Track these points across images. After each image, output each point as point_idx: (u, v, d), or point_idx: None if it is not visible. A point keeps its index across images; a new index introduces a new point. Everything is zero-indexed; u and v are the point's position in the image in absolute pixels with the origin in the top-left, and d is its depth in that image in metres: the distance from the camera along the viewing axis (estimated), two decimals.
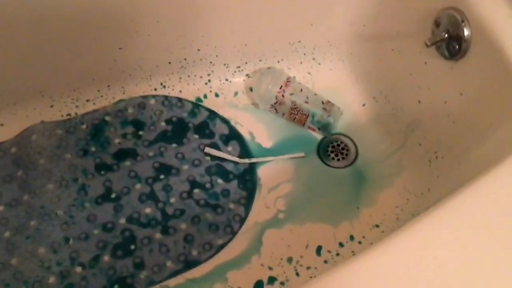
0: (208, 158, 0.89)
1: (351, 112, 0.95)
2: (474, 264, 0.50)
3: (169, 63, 0.93)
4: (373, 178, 0.88)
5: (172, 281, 0.78)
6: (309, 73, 0.99)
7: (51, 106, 0.91)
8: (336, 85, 0.98)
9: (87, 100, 0.93)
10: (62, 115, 0.91)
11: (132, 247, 0.80)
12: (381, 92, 0.93)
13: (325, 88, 0.96)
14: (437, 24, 0.73)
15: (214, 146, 0.90)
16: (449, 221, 0.53)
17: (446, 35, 0.71)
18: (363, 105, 0.95)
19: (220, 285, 0.77)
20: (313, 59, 0.98)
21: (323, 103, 0.90)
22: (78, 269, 0.78)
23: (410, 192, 0.84)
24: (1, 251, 0.78)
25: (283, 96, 0.89)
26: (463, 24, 0.67)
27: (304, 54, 0.97)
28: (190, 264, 0.79)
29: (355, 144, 0.92)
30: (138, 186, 0.85)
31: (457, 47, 0.70)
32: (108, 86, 0.93)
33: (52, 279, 0.77)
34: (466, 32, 0.67)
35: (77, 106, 0.92)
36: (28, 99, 0.89)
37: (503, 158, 0.57)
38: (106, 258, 0.79)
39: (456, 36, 0.69)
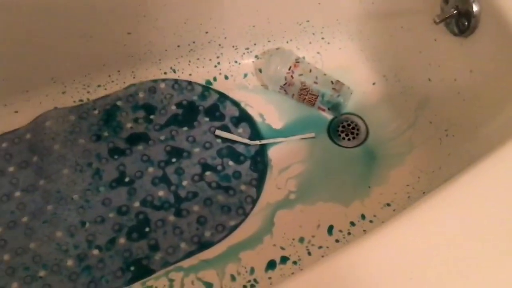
0: (219, 140, 0.90)
1: (361, 91, 0.94)
2: (484, 242, 0.51)
3: (178, 46, 0.93)
4: (384, 157, 0.88)
5: (186, 262, 0.79)
6: (318, 52, 0.98)
7: (63, 93, 0.92)
8: (346, 64, 0.97)
9: (98, 86, 0.93)
10: (74, 101, 0.93)
11: (147, 229, 0.82)
12: (391, 70, 0.92)
13: (334, 68, 0.96)
14: (446, 0, 0.72)
15: (225, 128, 0.91)
16: (460, 199, 0.53)
17: (455, 11, 0.70)
18: (373, 84, 0.95)
19: (233, 266, 0.78)
20: (322, 38, 0.98)
21: (332, 83, 0.89)
22: (95, 251, 0.80)
23: (421, 171, 0.84)
24: (20, 236, 0.80)
25: (292, 77, 0.89)
26: None
27: (313, 33, 0.97)
28: (204, 245, 0.80)
29: (365, 124, 0.92)
30: (150, 169, 0.87)
31: (466, 23, 0.69)
32: (119, 71, 0.93)
33: (70, 262, 0.79)
34: (475, 8, 0.66)
35: (88, 92, 0.93)
36: (41, 86, 0.91)
37: None
38: (122, 240, 0.81)
39: (465, 12, 0.68)
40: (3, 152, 0.87)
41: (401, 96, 0.90)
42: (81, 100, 0.93)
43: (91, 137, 0.89)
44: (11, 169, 0.86)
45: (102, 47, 0.88)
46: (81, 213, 0.82)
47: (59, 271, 0.78)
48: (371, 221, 0.82)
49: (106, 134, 0.89)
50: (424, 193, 0.80)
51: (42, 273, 0.78)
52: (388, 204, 0.83)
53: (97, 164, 0.87)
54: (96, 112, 0.91)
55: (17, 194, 0.84)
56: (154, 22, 0.87)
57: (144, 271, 0.78)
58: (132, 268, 0.78)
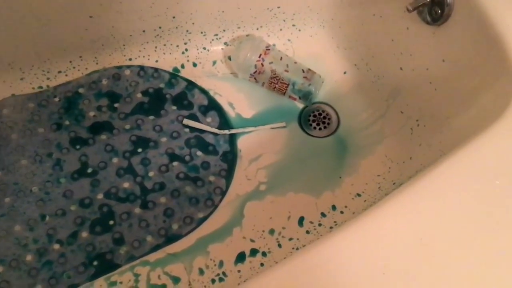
0: (187, 130, 0.87)
1: (333, 80, 0.93)
2: (456, 233, 0.51)
3: (143, 31, 0.89)
4: (355, 147, 0.87)
5: (153, 256, 0.77)
6: (289, 40, 0.96)
7: (22, 79, 0.88)
8: (317, 52, 0.95)
9: (59, 72, 0.89)
10: (33, 88, 0.88)
11: (111, 222, 0.78)
12: (363, 59, 0.91)
13: (306, 56, 0.94)
14: None
15: (193, 117, 0.88)
16: (432, 191, 0.53)
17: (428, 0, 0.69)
18: (344, 73, 0.93)
19: (202, 259, 0.76)
20: (293, 25, 0.95)
21: (303, 71, 0.88)
22: (56, 246, 0.76)
23: (392, 161, 0.84)
24: None
25: (262, 65, 0.87)
26: None
27: (284, 20, 0.94)
28: (171, 238, 0.78)
29: (336, 113, 0.91)
30: (115, 160, 0.83)
31: (439, 11, 0.68)
32: (80, 56, 0.89)
33: (29, 257, 0.75)
34: None
35: (48, 78, 0.88)
36: None
37: (484, 127, 0.56)
38: (84, 234, 0.77)
39: (439, 0, 0.67)
40: None
41: (373, 85, 0.89)
42: (40, 87, 0.88)
43: (51, 126, 0.85)
44: None
45: (62, 32, 0.84)
46: (41, 206, 0.79)
47: (18, 267, 0.74)
48: (342, 212, 0.81)
49: (67, 122, 0.85)
50: (394, 183, 0.80)
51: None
52: (359, 195, 0.82)
53: (57, 154, 0.83)
54: (56, 99, 0.87)
55: None
56: (118, 6, 0.83)
57: (108, 266, 0.75)
58: (95, 263, 0.75)
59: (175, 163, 0.84)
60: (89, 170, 0.82)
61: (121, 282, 0.74)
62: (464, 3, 0.65)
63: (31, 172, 0.81)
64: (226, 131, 0.87)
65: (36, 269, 0.74)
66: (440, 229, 0.51)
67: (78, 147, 0.84)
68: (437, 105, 0.74)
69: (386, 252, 0.49)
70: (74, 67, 0.89)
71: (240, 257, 0.77)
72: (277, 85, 0.88)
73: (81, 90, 0.88)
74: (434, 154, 0.73)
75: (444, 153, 0.57)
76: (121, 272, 0.75)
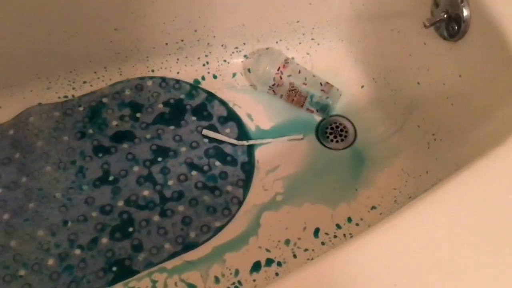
0: (206, 140, 0.89)
1: (350, 93, 0.94)
2: (471, 246, 0.50)
3: (166, 44, 0.91)
4: (372, 160, 0.88)
5: (170, 263, 0.78)
6: (308, 53, 0.98)
7: (48, 88, 0.91)
8: (335, 66, 0.96)
9: (84, 82, 0.92)
10: (59, 97, 0.91)
11: (130, 229, 0.80)
12: (380, 73, 0.91)
13: (324, 69, 0.95)
14: (436, 4, 0.72)
15: (212, 128, 0.90)
16: (447, 204, 0.53)
17: (445, 16, 0.69)
18: (362, 86, 0.94)
19: (218, 267, 0.78)
20: (312, 39, 0.97)
21: (321, 84, 0.89)
22: (77, 251, 0.78)
23: (408, 174, 0.84)
24: (1, 234, 0.79)
25: (281, 77, 0.88)
26: (462, 4, 0.66)
27: (303, 34, 0.96)
28: (188, 246, 0.79)
29: (354, 126, 0.91)
30: (136, 168, 0.85)
31: (456, 27, 0.68)
32: (105, 67, 0.92)
33: (51, 261, 0.77)
34: (465, 13, 0.66)
35: (74, 88, 0.91)
36: (25, 81, 0.89)
37: (501, 141, 0.56)
38: (104, 240, 0.79)
39: (456, 16, 0.68)
40: None
41: (390, 99, 0.90)
42: (66, 96, 0.91)
43: (75, 134, 0.87)
44: None
45: (88, 43, 0.87)
46: (64, 212, 0.81)
47: (40, 270, 0.77)
48: (357, 224, 0.81)
49: (90, 131, 0.88)
50: (410, 197, 0.80)
51: (22, 272, 0.76)
52: (375, 207, 0.82)
53: (80, 162, 0.85)
54: (81, 108, 0.90)
55: None
56: (142, 19, 0.85)
57: (126, 271, 0.77)
58: (114, 269, 0.77)
59: (193, 173, 0.86)
60: (111, 178, 0.84)
61: None
62: (480, 20, 0.65)
63: (54, 179, 0.83)
64: (244, 142, 0.89)
65: (57, 273, 0.77)
66: (454, 242, 0.51)
67: (100, 155, 0.86)
68: (453, 119, 0.74)
69: (399, 264, 0.50)
70: (98, 78, 0.92)
71: (256, 266, 0.78)
72: (295, 98, 0.90)
73: (104, 100, 0.91)
74: (451, 168, 0.73)
75: (460, 166, 0.57)
76: (139, 278, 0.77)
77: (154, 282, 0.76)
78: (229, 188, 0.85)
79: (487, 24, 0.64)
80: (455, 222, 0.52)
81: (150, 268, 0.77)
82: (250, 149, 0.89)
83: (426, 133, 0.82)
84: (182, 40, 0.92)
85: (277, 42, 0.97)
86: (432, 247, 0.50)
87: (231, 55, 0.97)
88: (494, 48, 0.64)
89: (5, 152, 0.85)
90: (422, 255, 0.50)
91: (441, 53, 0.75)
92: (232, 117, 0.91)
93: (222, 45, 0.95)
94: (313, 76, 0.90)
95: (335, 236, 0.80)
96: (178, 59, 0.95)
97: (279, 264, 0.78)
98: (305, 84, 0.88)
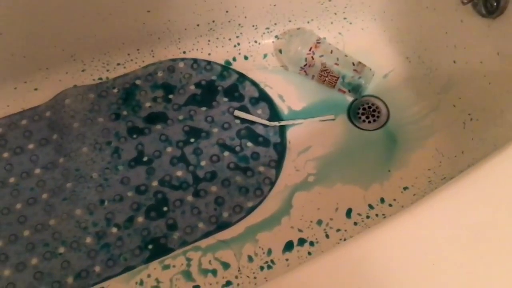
0: (237, 121, 0.89)
1: (383, 73, 0.93)
2: (509, 228, 0.50)
3: (198, 25, 0.92)
4: (405, 140, 0.87)
5: (204, 242, 0.80)
6: (340, 33, 0.96)
7: (83, 70, 0.92)
8: (368, 45, 0.95)
9: (118, 64, 0.93)
10: (94, 79, 0.93)
11: (165, 209, 0.82)
12: (415, 52, 0.90)
13: (356, 49, 0.94)
14: None
15: (244, 109, 0.90)
16: (484, 185, 0.52)
17: None
18: (396, 65, 0.93)
19: (251, 246, 0.79)
20: (344, 18, 0.96)
21: (353, 64, 0.88)
22: (114, 229, 0.80)
23: (443, 155, 0.83)
24: (40, 212, 0.81)
25: (312, 58, 0.88)
26: None
27: (335, 13, 0.95)
28: (221, 225, 0.80)
29: (386, 106, 0.90)
30: (169, 149, 0.87)
31: (495, 4, 0.66)
32: (138, 49, 0.93)
33: (89, 239, 0.80)
34: None
35: (108, 70, 0.93)
36: (60, 63, 0.91)
37: None
38: (140, 219, 0.81)
39: None
40: (23, 129, 0.88)
41: (424, 78, 0.88)
42: (100, 79, 0.92)
43: (110, 115, 0.89)
44: (31, 146, 0.87)
45: (121, 25, 0.88)
46: (100, 192, 0.83)
47: (78, 248, 0.79)
48: (390, 205, 0.81)
49: (125, 113, 0.89)
50: (445, 178, 0.79)
51: (61, 249, 0.79)
52: (408, 188, 0.82)
53: (116, 142, 0.87)
54: (115, 90, 0.91)
55: (37, 171, 0.85)
56: (173, 1, 0.86)
57: (162, 250, 0.79)
58: (150, 247, 0.79)
59: (226, 153, 0.86)
60: (145, 159, 0.86)
61: (174, 266, 0.78)
62: None
63: (91, 159, 0.85)
64: (276, 123, 0.89)
65: (95, 251, 0.79)
66: (492, 224, 0.50)
67: (135, 136, 0.87)
68: (490, 98, 0.73)
69: (436, 244, 0.49)
70: (131, 60, 0.93)
71: (288, 246, 0.78)
72: (327, 78, 0.89)
73: (138, 82, 0.92)
74: (487, 148, 0.71)
75: (498, 147, 0.55)
76: (174, 256, 0.79)
77: (188, 260, 0.78)
78: (261, 168, 0.85)
79: None
80: (492, 204, 0.51)
81: (184, 247, 0.79)
82: (282, 130, 0.89)
83: (462, 112, 0.80)
84: (213, 21, 0.92)
85: (308, 22, 0.96)
86: (468, 231, 0.49)
87: (262, 35, 0.96)
88: None
89: (43, 134, 0.88)
90: (458, 237, 0.49)
91: (479, 30, 0.73)
92: (263, 98, 0.91)
93: (253, 26, 0.94)
94: (345, 56, 0.89)
95: (367, 217, 0.80)
96: (209, 41, 0.95)
97: (311, 244, 0.78)
98: (337, 64, 0.87)
